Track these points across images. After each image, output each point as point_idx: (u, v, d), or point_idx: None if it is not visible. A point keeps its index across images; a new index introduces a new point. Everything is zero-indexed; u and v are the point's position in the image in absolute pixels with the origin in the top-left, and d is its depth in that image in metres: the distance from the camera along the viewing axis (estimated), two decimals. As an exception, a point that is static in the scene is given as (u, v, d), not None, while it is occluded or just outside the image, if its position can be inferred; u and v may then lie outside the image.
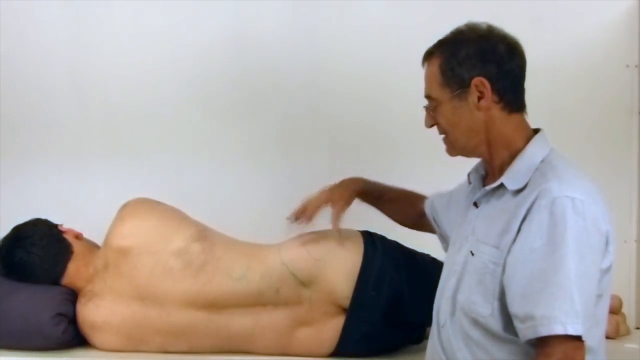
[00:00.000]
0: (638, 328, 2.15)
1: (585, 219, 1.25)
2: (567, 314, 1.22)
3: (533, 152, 1.38)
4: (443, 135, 1.45)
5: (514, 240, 1.31)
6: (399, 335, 1.84)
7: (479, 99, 1.37)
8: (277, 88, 2.31)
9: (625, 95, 2.22)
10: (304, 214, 1.84)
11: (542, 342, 1.24)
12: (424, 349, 1.57)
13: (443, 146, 1.47)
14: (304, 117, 2.32)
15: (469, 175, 1.55)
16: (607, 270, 1.31)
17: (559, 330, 1.21)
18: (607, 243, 1.29)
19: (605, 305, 1.34)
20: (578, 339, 1.22)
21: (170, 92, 2.32)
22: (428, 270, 1.71)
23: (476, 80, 1.37)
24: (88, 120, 2.33)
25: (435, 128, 1.46)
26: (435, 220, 1.74)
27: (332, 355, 1.80)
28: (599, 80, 2.24)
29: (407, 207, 1.85)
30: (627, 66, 2.22)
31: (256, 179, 2.32)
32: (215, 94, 2.32)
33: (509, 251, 1.31)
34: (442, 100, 1.40)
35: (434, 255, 1.88)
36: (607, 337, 1.90)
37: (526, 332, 1.25)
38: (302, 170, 2.30)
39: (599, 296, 1.30)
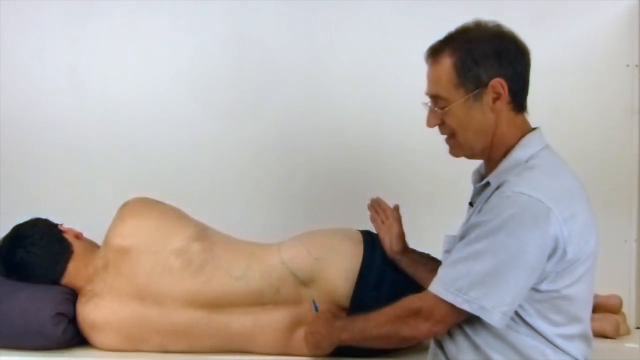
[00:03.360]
0: (638, 328, 2.15)
1: (531, 217, 1.28)
2: (453, 279, 1.31)
3: (519, 151, 1.38)
4: (446, 136, 1.44)
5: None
6: (399, 335, 1.83)
7: (494, 100, 1.36)
8: (276, 88, 2.31)
9: (625, 95, 2.22)
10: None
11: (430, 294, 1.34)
12: (424, 349, 1.58)
13: (443, 147, 1.46)
14: (304, 117, 2.32)
15: (473, 174, 1.54)
16: (566, 270, 1.31)
17: (440, 292, 1.32)
18: (550, 245, 1.29)
19: (580, 305, 1.37)
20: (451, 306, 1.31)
21: (170, 92, 2.32)
22: (428, 270, 1.71)
23: (495, 81, 1.35)
24: (88, 120, 2.32)
25: (433, 129, 1.45)
26: None
27: (332, 355, 1.80)
28: (599, 80, 2.24)
29: None
30: (627, 66, 2.22)
31: (256, 179, 2.32)
32: (215, 93, 2.32)
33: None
34: (454, 101, 1.37)
35: (434, 255, 1.88)
36: (607, 337, 1.92)
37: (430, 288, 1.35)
38: (302, 171, 2.30)
39: (569, 300, 1.33)
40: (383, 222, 1.81)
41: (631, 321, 2.11)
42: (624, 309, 2.05)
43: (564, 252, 1.30)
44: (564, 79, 2.22)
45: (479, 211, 1.36)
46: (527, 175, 1.33)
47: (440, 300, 1.33)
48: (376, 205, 1.84)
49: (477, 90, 1.36)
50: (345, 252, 1.81)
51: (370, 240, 1.85)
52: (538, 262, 1.29)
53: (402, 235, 1.80)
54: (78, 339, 1.82)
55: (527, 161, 1.36)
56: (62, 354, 1.78)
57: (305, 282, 1.78)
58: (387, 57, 2.28)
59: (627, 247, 2.19)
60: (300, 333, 1.78)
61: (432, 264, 1.71)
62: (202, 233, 1.86)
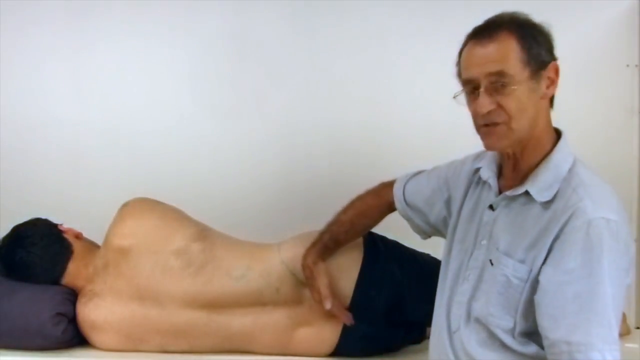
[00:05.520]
0: (638, 328, 2.15)
1: (618, 242, 1.23)
2: (605, 340, 1.20)
3: (560, 160, 1.31)
4: (495, 122, 1.29)
5: (545, 259, 1.26)
6: (399, 335, 1.84)
7: (548, 86, 1.30)
8: (276, 88, 2.31)
9: (625, 95, 2.22)
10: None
11: None
12: (424, 349, 1.57)
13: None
14: (304, 117, 2.32)
15: (477, 169, 1.47)
16: (628, 286, 1.29)
17: (596, 357, 1.19)
18: (631, 262, 1.28)
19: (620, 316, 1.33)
20: None
21: (170, 92, 2.32)
22: (428, 270, 1.71)
23: (554, 63, 1.29)
24: (88, 120, 2.32)
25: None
26: (413, 216, 1.66)
27: (332, 355, 1.80)
28: (599, 80, 2.23)
29: (369, 223, 1.75)
30: (627, 66, 2.22)
31: (256, 179, 2.32)
32: (215, 93, 2.32)
33: (539, 271, 1.27)
34: (520, 79, 1.26)
35: (434, 255, 1.88)
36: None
37: (559, 356, 1.22)
38: (302, 170, 2.30)
39: None
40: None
41: (631, 321, 2.11)
42: (624, 309, 2.04)
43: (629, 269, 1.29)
44: (563, 79, 2.20)
45: (555, 237, 1.25)
46: (596, 196, 1.26)
47: None
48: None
49: (540, 71, 1.29)
50: (345, 252, 1.81)
51: (370, 240, 1.85)
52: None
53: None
54: (78, 339, 1.82)
55: (569, 172, 1.30)
56: (62, 354, 1.78)
57: (305, 282, 1.78)
58: (387, 57, 2.28)
59: (627, 247, 2.18)
60: (300, 333, 1.79)
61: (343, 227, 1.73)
62: (202, 233, 1.86)
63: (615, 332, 1.21)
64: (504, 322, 1.32)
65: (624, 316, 2.04)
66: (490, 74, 1.28)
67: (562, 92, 2.20)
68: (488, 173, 1.43)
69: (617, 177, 2.19)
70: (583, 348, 1.20)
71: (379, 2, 2.28)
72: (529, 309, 1.29)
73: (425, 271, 1.77)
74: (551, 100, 1.36)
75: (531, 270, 1.28)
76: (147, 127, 2.32)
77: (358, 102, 2.30)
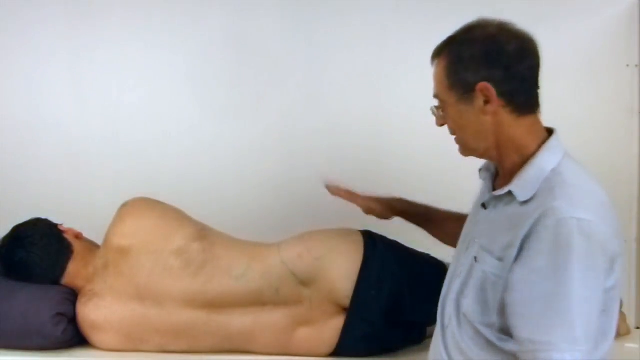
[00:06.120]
0: (638, 328, 2.15)
1: (590, 241, 1.22)
2: (566, 340, 1.20)
3: (543, 160, 1.33)
4: (454, 136, 1.43)
5: (516, 257, 1.28)
6: (399, 335, 1.84)
7: (485, 103, 1.33)
8: (276, 88, 2.31)
9: (625, 95, 2.22)
10: (341, 192, 1.83)
11: None
12: (424, 349, 1.58)
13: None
14: (304, 117, 2.32)
15: (480, 171, 1.52)
16: (613, 287, 1.29)
17: (556, 358, 1.20)
18: (612, 262, 1.27)
19: (611, 319, 1.32)
20: None
21: (170, 92, 2.32)
22: (428, 270, 1.72)
23: (480, 85, 1.32)
24: (88, 120, 2.32)
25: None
26: None
27: (332, 355, 1.80)
28: (599, 80, 2.23)
29: (456, 229, 1.70)
30: (627, 66, 2.21)
31: (256, 178, 2.32)
32: (215, 94, 2.32)
33: (510, 269, 1.29)
34: (448, 103, 1.38)
35: (434, 255, 1.88)
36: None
37: (525, 355, 1.24)
38: (302, 170, 2.30)
39: (603, 311, 1.28)
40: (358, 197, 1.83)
41: (631, 321, 2.11)
42: (624, 309, 2.04)
43: (613, 271, 1.28)
44: (563, 79, 2.22)
45: (526, 236, 1.27)
46: (573, 195, 1.27)
47: None
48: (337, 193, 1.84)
49: (465, 94, 1.35)
50: (345, 252, 1.81)
51: (370, 241, 1.85)
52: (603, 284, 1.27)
53: (384, 200, 1.82)
54: (78, 339, 1.82)
55: (552, 171, 1.31)
56: (62, 354, 1.78)
57: (305, 282, 1.79)
58: (387, 57, 2.28)
59: (627, 247, 2.18)
60: (301, 333, 1.79)
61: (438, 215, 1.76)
62: (202, 233, 1.86)
63: (579, 332, 1.21)
64: (486, 319, 1.34)
65: (624, 316, 2.04)
66: (434, 96, 1.41)
67: (562, 92, 2.23)
68: (485, 174, 1.48)
69: (617, 177, 2.20)
70: (545, 347, 1.21)
71: (379, 2, 2.28)
72: (505, 307, 1.31)
73: (425, 271, 1.77)
74: (523, 106, 1.37)
75: (507, 269, 1.30)
76: (147, 127, 2.32)
77: (358, 102, 2.30)
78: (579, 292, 1.21)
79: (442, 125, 1.42)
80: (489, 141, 1.37)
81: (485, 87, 1.32)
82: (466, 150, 1.42)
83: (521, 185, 1.33)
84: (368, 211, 1.83)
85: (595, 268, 1.24)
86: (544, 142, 1.36)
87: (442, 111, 1.40)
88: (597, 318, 1.25)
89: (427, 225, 1.80)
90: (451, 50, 1.37)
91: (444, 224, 1.77)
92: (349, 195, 1.84)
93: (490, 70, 1.33)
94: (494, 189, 1.43)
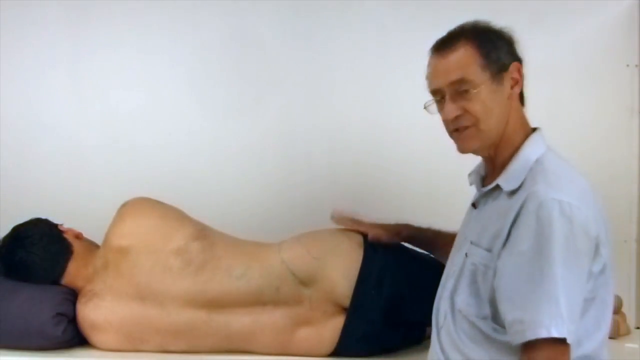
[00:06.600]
0: (638, 328, 2.15)
1: (572, 222, 1.24)
2: (551, 316, 1.22)
3: (528, 152, 1.36)
4: (461, 127, 1.38)
5: (504, 244, 1.30)
6: (399, 335, 1.84)
7: (512, 86, 1.36)
8: (276, 88, 2.31)
9: (625, 95, 2.22)
10: (347, 221, 1.86)
11: (529, 346, 1.24)
12: (424, 349, 1.58)
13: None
14: (304, 117, 2.32)
15: (469, 175, 1.53)
16: (601, 272, 1.30)
17: (543, 333, 1.22)
18: (597, 246, 1.28)
19: (604, 308, 1.33)
20: (563, 341, 1.22)
21: (170, 92, 2.32)
22: (428, 270, 1.71)
23: (515, 64, 1.35)
24: (88, 120, 2.32)
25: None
26: None
27: (332, 355, 1.80)
28: (599, 80, 2.23)
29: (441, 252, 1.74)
30: (627, 66, 2.22)
31: (256, 179, 2.32)
32: (215, 93, 2.32)
33: (498, 255, 1.31)
34: (481, 83, 1.35)
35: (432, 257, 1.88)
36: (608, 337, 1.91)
37: (515, 336, 1.26)
38: (302, 171, 2.30)
39: (592, 299, 1.29)
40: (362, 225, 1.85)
41: (631, 321, 2.11)
42: (624, 309, 2.05)
43: (599, 255, 1.29)
44: (563, 79, 2.22)
45: (512, 222, 1.29)
46: (553, 180, 1.29)
47: (553, 342, 1.22)
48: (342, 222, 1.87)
49: (499, 74, 1.35)
50: (345, 252, 1.81)
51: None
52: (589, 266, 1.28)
53: (391, 226, 1.83)
54: (78, 339, 1.82)
55: (536, 162, 1.34)
56: (62, 354, 1.78)
57: (305, 281, 1.79)
58: (387, 57, 2.28)
59: (627, 247, 2.18)
60: (301, 333, 1.79)
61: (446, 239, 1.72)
62: (202, 233, 1.86)
63: (564, 309, 1.22)
64: (480, 311, 1.35)
65: (624, 316, 2.04)
66: (453, 83, 1.36)
67: (563, 92, 2.23)
68: (473, 177, 1.51)
69: (617, 177, 2.20)
70: (532, 325, 1.23)
71: (379, 2, 2.28)
72: (494, 294, 1.32)
73: (425, 271, 1.77)
74: (522, 99, 1.42)
75: (495, 258, 1.32)
76: (147, 127, 2.32)
77: (358, 102, 2.30)
78: (562, 272, 1.23)
79: (455, 115, 1.37)
80: (501, 130, 1.38)
81: (518, 67, 1.36)
82: (479, 139, 1.38)
83: (507, 177, 1.36)
84: (374, 238, 1.83)
85: (578, 249, 1.25)
86: (527, 136, 1.39)
87: (467, 95, 1.35)
88: (582, 301, 1.27)
89: (435, 250, 1.82)
90: (474, 34, 1.37)
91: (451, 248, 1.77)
92: (355, 224, 1.86)
93: (515, 54, 1.38)
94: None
